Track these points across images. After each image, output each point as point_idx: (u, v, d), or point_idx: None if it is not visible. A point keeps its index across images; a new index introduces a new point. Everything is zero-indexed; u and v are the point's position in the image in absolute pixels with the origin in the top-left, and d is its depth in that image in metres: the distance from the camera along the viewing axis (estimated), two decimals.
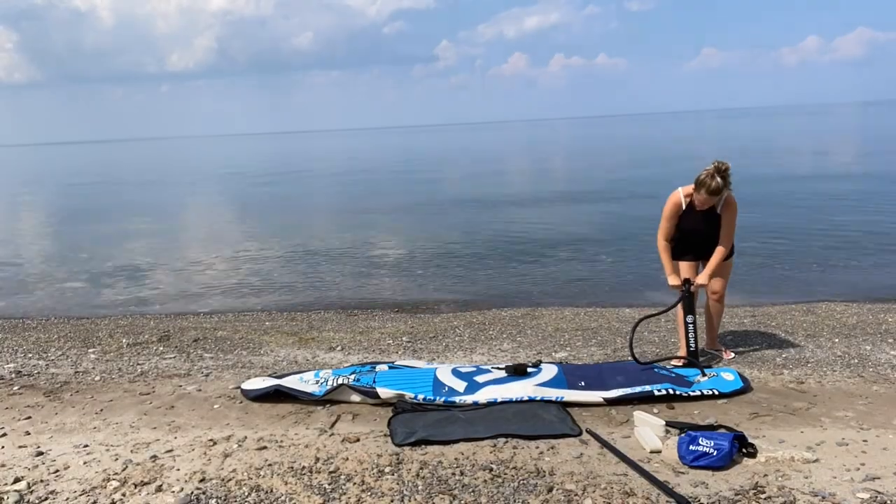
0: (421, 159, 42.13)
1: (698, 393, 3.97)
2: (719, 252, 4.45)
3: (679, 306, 4.60)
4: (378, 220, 15.94)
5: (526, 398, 3.90)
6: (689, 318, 4.53)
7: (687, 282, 4.52)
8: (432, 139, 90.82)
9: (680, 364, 4.55)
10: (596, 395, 3.93)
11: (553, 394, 3.93)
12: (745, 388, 4.08)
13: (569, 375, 4.17)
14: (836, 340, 5.26)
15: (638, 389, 3.97)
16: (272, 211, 18.64)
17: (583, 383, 4.06)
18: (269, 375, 4.54)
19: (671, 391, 3.95)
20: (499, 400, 3.90)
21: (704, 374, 4.23)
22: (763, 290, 7.67)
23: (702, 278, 4.49)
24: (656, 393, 3.93)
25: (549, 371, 4.23)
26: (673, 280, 4.55)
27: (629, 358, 4.47)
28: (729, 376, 4.20)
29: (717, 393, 3.98)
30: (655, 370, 4.30)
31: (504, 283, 8.76)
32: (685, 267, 4.62)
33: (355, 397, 4.01)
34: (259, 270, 10.31)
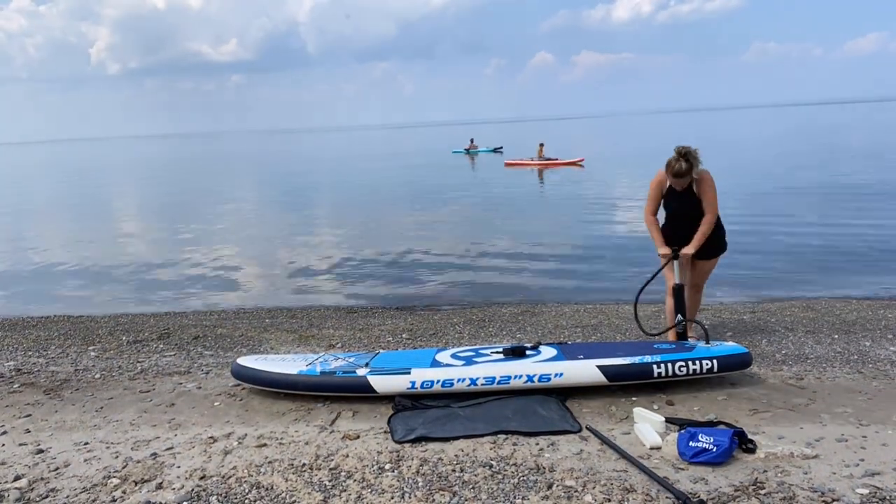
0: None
1: (698, 365, 3.99)
2: (706, 223, 4.63)
3: (671, 306, 4.69)
4: (381, 219, 15.92)
5: (524, 376, 3.93)
6: (679, 318, 4.62)
7: (675, 249, 4.71)
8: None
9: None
10: (594, 367, 3.95)
11: (552, 369, 3.95)
12: (748, 356, 4.13)
13: (567, 352, 4.21)
14: (836, 336, 5.26)
15: (638, 359, 4.00)
16: (291, 205, 18.57)
17: (581, 356, 4.11)
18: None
19: (671, 363, 3.97)
20: (497, 378, 3.93)
21: (709, 343, 4.28)
22: (763, 286, 7.67)
23: (688, 249, 4.65)
24: (655, 370, 3.95)
25: (547, 352, 4.26)
26: (663, 249, 4.76)
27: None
28: (732, 345, 4.26)
29: (716, 363, 4.01)
30: (655, 346, 4.34)
31: (503, 280, 8.77)
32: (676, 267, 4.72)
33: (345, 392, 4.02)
34: (259, 268, 10.32)
